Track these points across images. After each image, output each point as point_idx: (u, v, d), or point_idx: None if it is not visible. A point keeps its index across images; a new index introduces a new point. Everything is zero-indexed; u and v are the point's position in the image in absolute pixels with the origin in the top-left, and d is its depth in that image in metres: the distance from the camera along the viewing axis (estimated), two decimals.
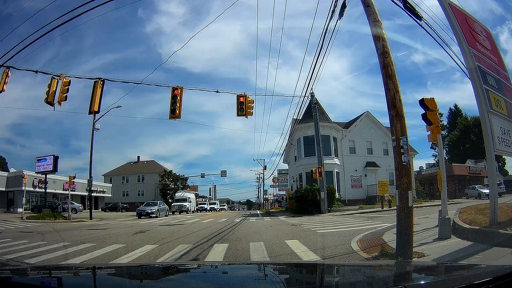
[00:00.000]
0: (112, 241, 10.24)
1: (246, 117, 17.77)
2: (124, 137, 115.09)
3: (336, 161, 26.97)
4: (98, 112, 15.76)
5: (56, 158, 32.85)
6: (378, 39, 8.07)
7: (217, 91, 17.97)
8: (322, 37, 12.46)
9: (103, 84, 15.78)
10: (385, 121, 36.34)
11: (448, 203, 26.73)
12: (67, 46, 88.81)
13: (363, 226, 12.45)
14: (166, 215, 28.46)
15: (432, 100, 9.30)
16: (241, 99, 17.71)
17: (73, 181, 30.97)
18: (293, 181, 31.72)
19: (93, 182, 64.76)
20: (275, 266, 2.97)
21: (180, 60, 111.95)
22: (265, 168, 58.64)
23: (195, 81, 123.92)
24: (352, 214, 20.44)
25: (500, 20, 75.23)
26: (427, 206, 25.25)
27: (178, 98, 16.09)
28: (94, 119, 30.47)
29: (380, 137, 32.05)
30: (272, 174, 52.98)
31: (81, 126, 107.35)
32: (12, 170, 50.96)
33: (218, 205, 60.72)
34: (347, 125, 31.07)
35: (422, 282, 1.78)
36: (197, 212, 43.85)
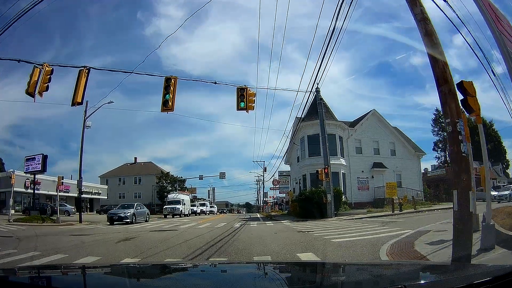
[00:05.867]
0: (88, 251, 8.72)
1: (247, 112, 16.20)
2: (123, 139, 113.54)
3: (342, 161, 25.27)
4: (81, 103, 14.33)
5: (45, 158, 31.15)
6: (415, 4, 6.75)
7: (215, 83, 16.42)
8: (332, 28, 11.95)
9: (88, 73, 14.53)
10: (391, 121, 34.64)
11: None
12: (67, 48, 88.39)
13: (382, 233, 10.79)
14: (146, 220, 23.84)
15: (470, 84, 7.71)
16: (242, 92, 16.17)
17: (62, 182, 29.20)
18: (296, 183, 29.97)
19: (88, 184, 63.47)
20: (275, 265, 2.99)
21: (179, 62, 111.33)
22: (265, 170, 56.89)
23: (195, 84, 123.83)
24: (362, 218, 18.76)
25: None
26: (439, 209, 23.65)
27: (172, 89, 14.52)
28: (85, 116, 29.04)
29: (387, 136, 30.43)
30: (272, 176, 51.43)
31: (80, 127, 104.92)
32: (10, 171, 49.78)
33: (208, 207, 58.61)
34: (352, 124, 29.35)
35: (422, 282, 1.75)
36: (194, 215, 41.95)
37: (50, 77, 12.64)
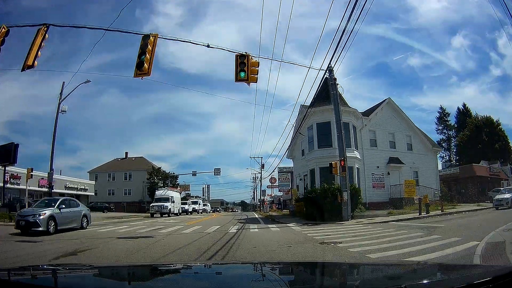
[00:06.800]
0: None
1: (249, 84, 12.78)
2: (120, 137, 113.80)
3: (357, 154, 21.60)
4: (32, 66, 11.45)
5: (15, 147, 27.22)
6: None
7: (208, 46, 12.78)
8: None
9: (46, 31, 11.25)
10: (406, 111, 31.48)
11: (479, 207, 20.33)
12: (65, 45, 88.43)
13: (442, 248, 7.44)
14: (82, 226, 14.85)
15: None
16: (242, 59, 12.72)
17: (32, 174, 25.50)
18: (300, 179, 26.32)
19: (73, 179, 59.26)
20: (273, 266, 2.87)
21: (177, 60, 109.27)
22: (263, 166, 53.80)
23: (191, 82, 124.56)
24: (387, 222, 15.26)
25: (499, 24, 73.07)
26: (467, 211, 20.30)
27: (149, 48, 11.02)
28: (60, 98, 25.53)
29: (403, 128, 26.92)
30: (271, 174, 48.63)
31: (77, 125, 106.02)
32: None
33: (201, 205, 54.08)
34: (366, 114, 25.65)
35: (422, 282, 1.70)
36: (185, 214, 38.12)
37: (4, 39, 10.88)
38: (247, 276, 2.23)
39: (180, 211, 34.90)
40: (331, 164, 16.77)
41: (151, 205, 30.16)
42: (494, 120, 58.49)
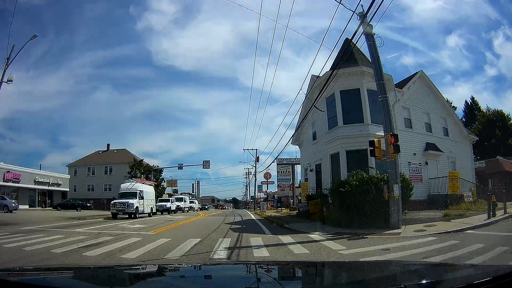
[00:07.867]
0: None
1: None
2: (112, 133, 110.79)
3: None
4: None
5: None
6: None
7: None
8: None
9: None
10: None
11: None
12: (59, 42, 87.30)
13: None
14: None
15: None
16: None
17: None
18: (310, 170, 20.34)
19: (46, 173, 52.68)
20: (268, 266, 2.79)
21: (170, 57, 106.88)
22: (257, 159, 48.51)
23: (184, 79, 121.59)
24: (463, 231, 9.62)
25: (495, 25, 70.12)
26: None
27: None
28: (7, 63, 20.24)
29: (437, 109, 21.39)
30: (267, 168, 43.66)
31: (70, 122, 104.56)
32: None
33: (187, 202, 47.72)
34: (398, 86, 19.98)
35: (422, 282, 1.66)
36: (167, 213, 31.92)
37: None
38: (246, 276, 2.16)
39: (154, 210, 27.57)
40: (372, 142, 11.01)
41: (112, 202, 22.59)
42: (505, 114, 54.78)
